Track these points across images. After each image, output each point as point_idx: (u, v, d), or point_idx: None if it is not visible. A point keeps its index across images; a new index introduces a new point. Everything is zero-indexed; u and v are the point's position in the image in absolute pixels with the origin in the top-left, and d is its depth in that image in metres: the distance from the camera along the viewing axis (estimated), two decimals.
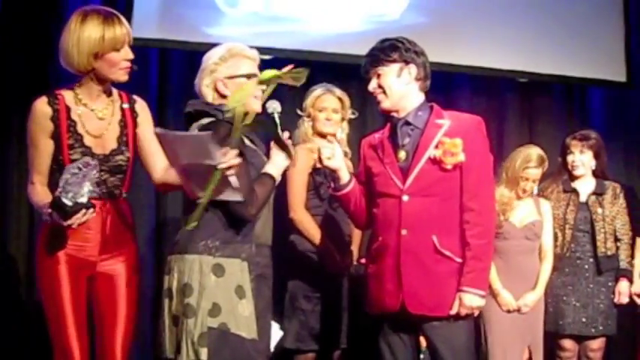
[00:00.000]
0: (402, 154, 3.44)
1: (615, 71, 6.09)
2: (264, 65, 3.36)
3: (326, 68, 5.30)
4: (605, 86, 6.18)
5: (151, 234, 5.24)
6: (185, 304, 3.09)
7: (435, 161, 3.38)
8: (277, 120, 3.26)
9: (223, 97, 3.27)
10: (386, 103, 3.48)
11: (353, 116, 4.54)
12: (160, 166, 3.28)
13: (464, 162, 3.36)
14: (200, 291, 3.08)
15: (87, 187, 2.95)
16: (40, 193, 3.17)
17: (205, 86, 3.31)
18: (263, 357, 3.23)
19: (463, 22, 5.65)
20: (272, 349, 3.52)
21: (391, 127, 3.51)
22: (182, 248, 3.16)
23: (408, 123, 3.47)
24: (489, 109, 5.91)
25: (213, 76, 3.29)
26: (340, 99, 4.43)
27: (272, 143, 3.27)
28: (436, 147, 3.38)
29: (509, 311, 4.63)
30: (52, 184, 3.16)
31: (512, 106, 6.03)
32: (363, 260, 3.94)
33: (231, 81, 3.26)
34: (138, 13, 4.89)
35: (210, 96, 3.30)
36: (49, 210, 2.97)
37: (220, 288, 3.10)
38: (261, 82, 3.20)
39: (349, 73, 5.47)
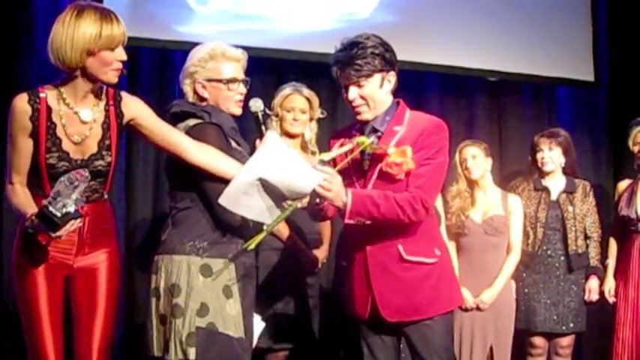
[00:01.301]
0: (366, 163, 3.38)
1: (583, 71, 6.15)
2: None
3: (296, 66, 5.30)
4: (573, 85, 6.23)
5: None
6: (173, 304, 3.14)
7: (385, 173, 3.31)
8: (261, 119, 3.29)
9: (202, 99, 3.30)
10: (368, 115, 3.37)
11: (322, 116, 4.54)
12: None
13: (412, 169, 3.28)
14: (188, 291, 3.13)
15: (75, 196, 2.88)
16: (20, 194, 3.08)
17: (186, 85, 3.33)
18: (249, 355, 3.24)
19: (433, 21, 5.66)
20: (255, 342, 3.52)
21: (359, 131, 3.42)
22: (170, 248, 3.19)
23: (375, 129, 3.39)
24: (459, 108, 5.95)
25: (193, 77, 3.31)
26: (308, 99, 4.43)
27: (257, 142, 3.28)
28: (387, 155, 3.31)
29: (467, 310, 4.65)
30: (31, 185, 3.11)
31: (481, 105, 6.05)
32: None
33: (210, 84, 3.29)
34: None
35: (190, 96, 3.33)
36: (35, 220, 2.89)
37: (208, 288, 3.15)
38: (357, 145, 3.26)
39: (319, 72, 5.46)
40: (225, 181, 3.09)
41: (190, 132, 3.21)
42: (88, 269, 3.18)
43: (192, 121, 3.23)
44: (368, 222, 3.23)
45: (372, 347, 3.47)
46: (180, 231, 3.21)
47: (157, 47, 5.25)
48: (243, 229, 3.24)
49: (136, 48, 5.27)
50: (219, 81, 3.28)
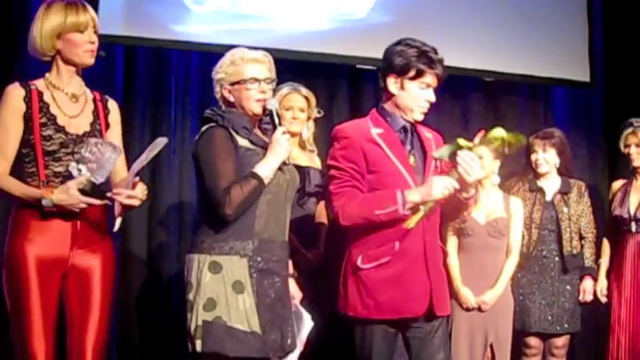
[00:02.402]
0: (412, 159, 3.47)
1: (579, 71, 6.16)
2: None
3: (292, 66, 5.31)
4: (568, 86, 6.24)
5: None
6: (186, 300, 3.32)
7: (436, 171, 3.47)
8: (275, 117, 3.41)
9: (230, 103, 3.45)
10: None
11: (319, 115, 4.54)
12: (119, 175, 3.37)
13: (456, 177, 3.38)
14: (196, 287, 3.30)
15: (105, 172, 3.12)
16: (10, 179, 3.14)
17: (217, 94, 3.50)
18: (265, 350, 3.29)
19: (429, 22, 5.67)
20: (304, 339, 3.58)
21: (401, 130, 3.49)
22: (190, 247, 3.40)
23: (414, 129, 3.53)
24: (455, 107, 5.95)
25: (219, 84, 3.48)
26: (307, 98, 4.44)
27: (271, 138, 3.38)
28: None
29: (468, 309, 4.66)
30: (17, 172, 3.16)
31: (477, 105, 6.06)
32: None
33: (232, 87, 3.43)
34: (104, 9, 4.84)
35: (221, 103, 3.49)
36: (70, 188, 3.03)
37: (216, 283, 3.28)
38: (487, 139, 3.42)
39: (316, 71, 5.50)
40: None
41: (201, 136, 3.39)
42: (83, 267, 3.21)
43: (205, 126, 3.40)
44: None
45: (390, 350, 3.49)
46: (196, 230, 3.46)
47: (153, 46, 5.25)
48: (250, 226, 3.32)
49: (132, 47, 5.29)
50: (239, 82, 3.41)
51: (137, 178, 3.19)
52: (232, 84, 3.42)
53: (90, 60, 3.27)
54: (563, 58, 6.09)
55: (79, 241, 3.19)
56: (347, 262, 3.50)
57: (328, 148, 3.55)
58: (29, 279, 3.10)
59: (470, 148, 3.36)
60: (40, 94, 3.19)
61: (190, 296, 3.30)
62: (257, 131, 3.47)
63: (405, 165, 3.42)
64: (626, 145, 5.01)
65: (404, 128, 3.49)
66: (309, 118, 4.49)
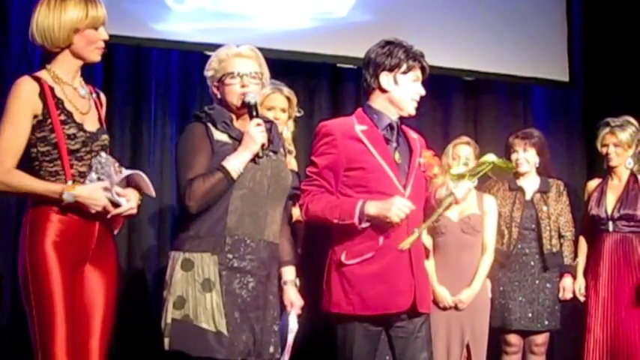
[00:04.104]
0: (397, 156, 3.50)
1: (558, 71, 6.21)
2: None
3: (273, 65, 5.29)
4: (548, 85, 6.29)
5: None
6: (162, 297, 3.29)
7: (420, 169, 3.53)
8: (254, 111, 3.35)
9: (220, 101, 3.42)
10: None
11: (298, 114, 4.54)
12: None
13: (437, 175, 3.56)
14: (170, 285, 3.27)
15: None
16: (24, 175, 3.01)
17: (211, 92, 3.47)
18: (231, 352, 3.21)
19: (409, 21, 5.68)
20: (290, 343, 3.53)
21: (387, 127, 3.52)
22: (171, 244, 3.40)
23: (399, 126, 3.57)
24: (435, 107, 5.96)
25: (210, 82, 3.45)
26: (288, 97, 4.42)
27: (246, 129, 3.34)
28: (420, 156, 3.55)
29: (445, 308, 4.67)
30: (31, 171, 3.05)
31: (457, 104, 6.08)
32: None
33: (219, 83, 3.41)
34: None
35: (215, 101, 3.46)
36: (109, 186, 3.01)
37: (186, 281, 3.24)
38: (479, 165, 3.55)
39: (297, 70, 5.50)
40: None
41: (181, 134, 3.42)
42: (96, 269, 3.12)
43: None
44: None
45: (372, 346, 3.49)
46: (176, 226, 3.46)
47: (133, 45, 5.23)
48: (223, 222, 3.27)
49: (111, 45, 5.25)
50: (222, 78, 3.39)
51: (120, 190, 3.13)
52: (218, 80, 3.40)
53: (98, 57, 3.20)
54: (542, 58, 6.14)
55: (98, 243, 3.11)
56: (330, 259, 3.50)
57: (311, 144, 3.57)
58: (54, 281, 2.97)
59: (464, 177, 3.50)
60: (51, 88, 3.08)
61: (164, 294, 3.28)
62: (239, 125, 3.39)
63: (388, 162, 3.44)
64: (604, 145, 5.04)
65: (390, 126, 3.52)
66: (289, 118, 4.48)
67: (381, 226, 3.37)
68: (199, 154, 3.28)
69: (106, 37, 3.18)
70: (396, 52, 3.49)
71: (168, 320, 3.23)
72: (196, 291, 3.22)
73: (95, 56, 3.18)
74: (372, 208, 3.33)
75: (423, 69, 3.54)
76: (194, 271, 3.24)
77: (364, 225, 3.36)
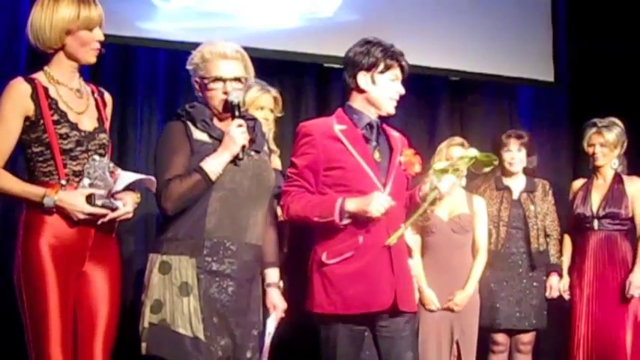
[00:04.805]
0: (377, 154, 3.50)
1: (543, 71, 6.23)
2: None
3: (260, 64, 5.29)
4: (533, 85, 6.31)
5: None
6: (140, 301, 3.22)
7: (401, 167, 3.52)
8: (236, 111, 3.31)
9: (203, 97, 3.37)
10: None
11: (279, 115, 4.53)
12: None
13: (418, 172, 3.56)
14: (147, 288, 3.20)
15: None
16: (7, 176, 3.00)
17: (192, 83, 3.42)
18: (208, 357, 3.15)
19: (395, 21, 5.68)
20: (267, 345, 3.49)
21: (367, 126, 3.52)
22: (151, 246, 3.33)
23: (379, 125, 3.56)
24: (421, 107, 5.97)
25: (191, 74, 3.39)
26: (275, 98, 4.43)
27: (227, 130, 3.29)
28: (400, 154, 3.54)
29: (431, 310, 4.68)
30: (27, 171, 3.05)
31: (443, 104, 6.09)
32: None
33: (202, 81, 3.35)
34: None
35: (196, 92, 3.42)
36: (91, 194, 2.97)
37: (163, 285, 3.18)
38: (461, 158, 3.56)
39: (283, 70, 5.50)
40: None
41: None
42: (95, 271, 3.10)
43: None
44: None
45: (354, 346, 3.47)
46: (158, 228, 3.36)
47: (120, 44, 5.21)
48: (201, 225, 3.22)
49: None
50: (204, 78, 3.34)
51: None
52: (200, 77, 3.35)
53: (93, 59, 3.15)
54: (527, 58, 6.16)
55: (95, 245, 3.08)
56: (312, 260, 3.50)
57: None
58: (48, 280, 2.95)
59: (446, 171, 3.48)
60: (46, 89, 3.05)
61: (143, 296, 3.23)
62: (219, 124, 3.34)
63: (367, 161, 3.44)
64: (590, 145, 5.07)
65: (369, 125, 3.52)
66: (274, 118, 4.48)
67: (360, 224, 3.37)
68: (177, 154, 3.23)
69: (101, 38, 3.14)
70: (373, 50, 3.48)
71: (146, 324, 3.18)
72: (174, 295, 3.17)
73: (90, 57, 3.14)
74: (352, 204, 3.33)
75: (402, 68, 3.52)
76: (171, 274, 3.18)
77: (345, 222, 3.35)
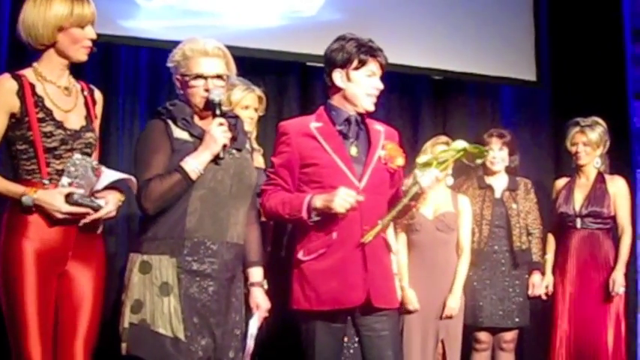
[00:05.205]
0: (354, 150, 3.48)
1: (525, 70, 6.24)
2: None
3: (243, 63, 5.28)
4: (515, 85, 6.32)
5: None
6: (121, 300, 3.20)
7: (381, 162, 3.48)
8: (217, 110, 3.30)
9: (184, 95, 3.35)
10: None
11: (261, 114, 4.52)
12: None
13: (401, 166, 3.52)
14: (127, 288, 3.19)
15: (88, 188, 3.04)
16: None
17: (174, 80, 3.40)
18: (188, 357, 3.14)
19: (378, 20, 5.68)
20: (251, 346, 3.47)
21: (345, 122, 3.50)
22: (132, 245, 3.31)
23: (360, 120, 3.53)
24: (404, 106, 5.98)
25: (173, 71, 3.38)
26: (260, 97, 4.42)
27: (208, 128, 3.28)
28: (382, 148, 3.50)
29: (409, 312, 4.68)
30: (11, 168, 3.04)
31: (426, 103, 6.10)
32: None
33: (183, 78, 3.34)
34: None
35: (177, 89, 3.40)
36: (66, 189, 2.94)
37: (144, 285, 3.17)
38: (446, 151, 3.52)
39: (266, 69, 5.49)
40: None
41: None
42: (78, 270, 3.08)
43: None
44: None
45: (331, 343, 3.47)
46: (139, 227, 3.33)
47: (102, 42, 5.18)
48: (182, 224, 3.21)
49: None
50: (186, 75, 3.33)
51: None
52: (181, 75, 3.33)
53: (85, 57, 3.13)
54: (510, 58, 6.17)
55: (78, 245, 3.07)
56: (292, 257, 3.51)
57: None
58: (27, 279, 2.94)
59: (430, 165, 3.43)
60: (32, 86, 3.03)
61: (123, 296, 3.22)
62: (200, 123, 3.34)
63: (341, 156, 3.43)
64: (573, 144, 5.10)
65: (347, 120, 3.50)
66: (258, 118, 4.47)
67: (334, 221, 3.36)
68: (158, 153, 3.22)
69: (93, 36, 3.12)
70: (347, 46, 3.47)
71: (126, 324, 3.16)
72: (154, 295, 3.16)
73: (81, 55, 3.12)
74: (318, 201, 3.32)
75: (379, 63, 3.49)
76: (152, 274, 3.17)
77: (314, 219, 3.35)
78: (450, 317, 4.72)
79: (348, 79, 3.47)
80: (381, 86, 3.52)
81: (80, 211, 3.00)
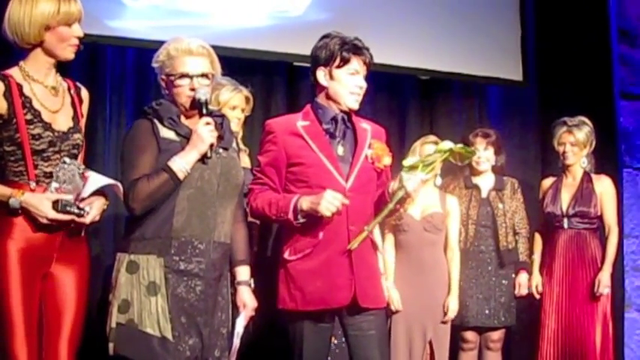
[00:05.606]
0: (341, 149, 3.47)
1: (512, 70, 6.25)
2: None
3: (229, 63, 5.27)
4: (501, 84, 6.33)
5: None
6: (108, 300, 3.19)
7: (368, 161, 3.47)
8: (204, 109, 3.28)
9: (170, 94, 3.33)
10: None
11: (248, 114, 4.51)
12: None
13: (388, 165, 3.51)
14: (114, 287, 3.18)
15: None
16: None
17: (159, 80, 3.38)
18: (176, 357, 3.14)
19: (366, 20, 5.68)
20: (237, 344, 3.46)
21: (331, 121, 3.49)
22: (119, 245, 3.29)
23: (347, 119, 3.52)
24: (390, 106, 5.98)
25: (158, 71, 3.36)
26: (247, 97, 4.42)
27: (195, 128, 3.26)
28: (369, 147, 3.49)
29: (393, 312, 4.68)
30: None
31: (413, 103, 6.10)
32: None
33: (168, 78, 3.32)
34: None
35: (162, 89, 3.38)
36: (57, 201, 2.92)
37: (131, 284, 3.16)
38: (438, 151, 3.48)
39: (253, 69, 5.48)
40: None
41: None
42: (63, 271, 3.07)
43: None
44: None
45: (318, 343, 3.47)
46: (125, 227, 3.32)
47: (88, 42, 5.16)
48: (169, 223, 3.20)
49: None
50: (171, 75, 3.31)
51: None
52: (166, 75, 3.32)
53: (72, 55, 3.11)
54: (496, 57, 6.18)
55: (63, 247, 3.05)
56: (278, 257, 3.51)
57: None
58: (12, 279, 2.93)
59: (417, 167, 3.42)
60: (20, 86, 3.00)
61: (110, 296, 3.21)
62: (186, 122, 3.32)
63: (328, 156, 3.42)
64: (560, 143, 5.12)
65: (334, 119, 3.49)
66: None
67: (319, 221, 3.35)
68: (144, 153, 3.21)
69: (80, 34, 3.09)
70: (331, 44, 3.45)
71: (113, 324, 3.16)
72: (141, 294, 3.15)
73: (68, 54, 3.09)
74: (305, 203, 3.31)
75: (363, 62, 3.47)
76: (139, 274, 3.17)
77: (300, 220, 3.34)
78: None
79: (331, 77, 3.47)
80: (364, 85, 3.49)
81: (65, 219, 2.99)
